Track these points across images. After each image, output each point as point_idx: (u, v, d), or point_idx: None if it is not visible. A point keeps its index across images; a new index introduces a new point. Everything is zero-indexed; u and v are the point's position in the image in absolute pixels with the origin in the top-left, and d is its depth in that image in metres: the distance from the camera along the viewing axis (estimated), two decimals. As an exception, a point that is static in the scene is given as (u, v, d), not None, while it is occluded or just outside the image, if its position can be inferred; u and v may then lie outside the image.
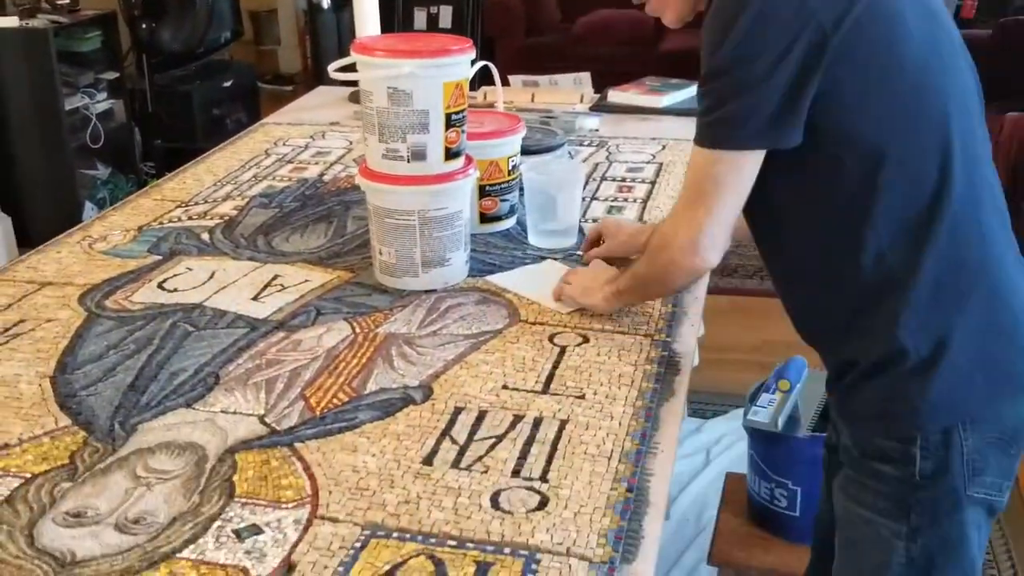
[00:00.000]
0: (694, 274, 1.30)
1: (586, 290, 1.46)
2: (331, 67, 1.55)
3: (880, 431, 1.17)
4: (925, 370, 1.13)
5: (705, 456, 2.62)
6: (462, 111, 1.51)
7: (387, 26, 2.70)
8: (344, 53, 1.52)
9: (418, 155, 1.49)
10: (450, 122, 1.49)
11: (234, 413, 1.23)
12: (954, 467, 1.14)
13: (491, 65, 1.85)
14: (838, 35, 1.06)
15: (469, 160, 1.58)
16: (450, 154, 1.51)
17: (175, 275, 1.62)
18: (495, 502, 1.05)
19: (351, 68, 1.51)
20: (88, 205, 4.09)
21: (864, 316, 1.16)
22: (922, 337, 1.12)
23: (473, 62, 1.55)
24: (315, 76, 5.48)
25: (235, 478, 1.10)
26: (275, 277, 1.61)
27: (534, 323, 1.45)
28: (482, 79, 1.94)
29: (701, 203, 1.17)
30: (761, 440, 1.83)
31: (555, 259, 1.66)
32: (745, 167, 1.14)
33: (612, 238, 1.61)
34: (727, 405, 2.82)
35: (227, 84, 5.01)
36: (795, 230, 1.21)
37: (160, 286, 1.58)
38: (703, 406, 2.86)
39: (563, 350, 1.37)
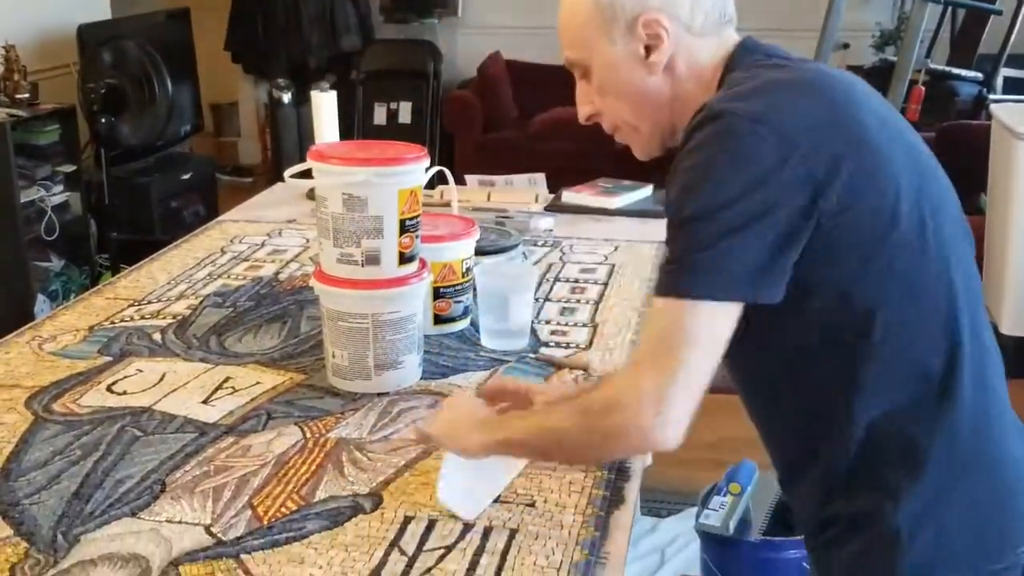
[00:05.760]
0: (646, 448, 1.12)
1: (451, 434, 1.23)
2: (287, 173, 1.58)
3: None
4: (909, 538, 1.06)
5: (660, 557, 2.60)
6: (416, 217, 1.53)
7: (347, 121, 2.75)
8: (304, 147, 1.55)
9: (372, 260, 1.51)
10: (404, 228, 1.51)
11: (179, 523, 1.21)
12: None
13: (446, 170, 1.88)
14: (831, 188, 0.98)
15: (423, 263, 1.60)
16: (404, 259, 1.53)
17: (125, 377, 1.61)
18: (443, 616, 1.04)
19: (307, 173, 1.53)
20: (40, 297, 4.05)
21: (850, 482, 1.09)
22: (910, 508, 1.05)
23: (431, 165, 1.58)
24: (274, 168, 5.52)
25: (179, 592, 1.08)
26: (226, 379, 1.60)
27: (486, 428, 1.44)
28: (440, 177, 1.97)
29: (668, 364, 1.01)
30: (713, 543, 1.84)
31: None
32: (719, 322, 1.01)
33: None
34: (682, 504, 2.81)
35: (186, 176, 5.04)
36: (779, 391, 1.12)
37: (109, 388, 1.57)
38: (658, 505, 2.85)
39: (514, 456, 1.36)
